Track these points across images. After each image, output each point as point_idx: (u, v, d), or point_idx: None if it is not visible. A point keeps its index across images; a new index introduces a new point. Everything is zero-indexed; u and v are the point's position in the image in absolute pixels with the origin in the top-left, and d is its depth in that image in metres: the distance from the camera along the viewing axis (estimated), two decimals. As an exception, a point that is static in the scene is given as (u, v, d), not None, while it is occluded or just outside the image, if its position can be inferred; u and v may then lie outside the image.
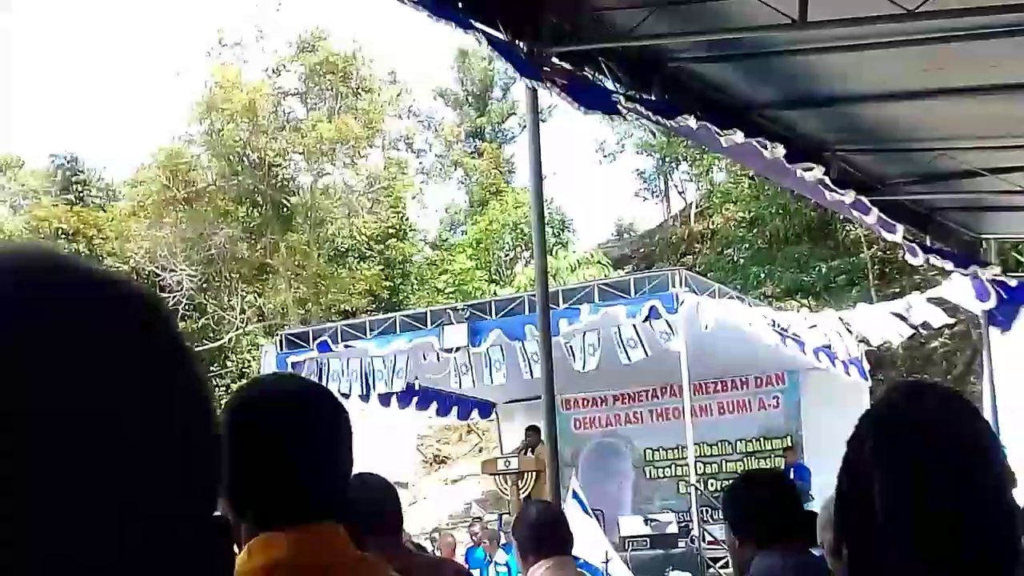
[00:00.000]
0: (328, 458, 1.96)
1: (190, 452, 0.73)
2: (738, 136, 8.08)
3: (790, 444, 19.58)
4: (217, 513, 0.76)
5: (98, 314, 0.70)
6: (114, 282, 0.73)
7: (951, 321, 16.73)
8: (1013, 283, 11.28)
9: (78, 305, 0.70)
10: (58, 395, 0.66)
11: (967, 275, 10.83)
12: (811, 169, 8.65)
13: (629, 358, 15.80)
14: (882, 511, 1.76)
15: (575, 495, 9.04)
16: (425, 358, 17.32)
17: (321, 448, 1.95)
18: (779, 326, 17.22)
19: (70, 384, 0.67)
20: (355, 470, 3.86)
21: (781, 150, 8.32)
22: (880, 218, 9.45)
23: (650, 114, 7.67)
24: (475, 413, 22.56)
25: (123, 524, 0.67)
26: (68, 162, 44.24)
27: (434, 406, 21.06)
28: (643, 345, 15.61)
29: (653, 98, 7.64)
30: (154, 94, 75.31)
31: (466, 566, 9.33)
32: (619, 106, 7.38)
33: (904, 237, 9.77)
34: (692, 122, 7.56)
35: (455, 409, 21.66)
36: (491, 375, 16.77)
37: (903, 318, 16.10)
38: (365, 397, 18.46)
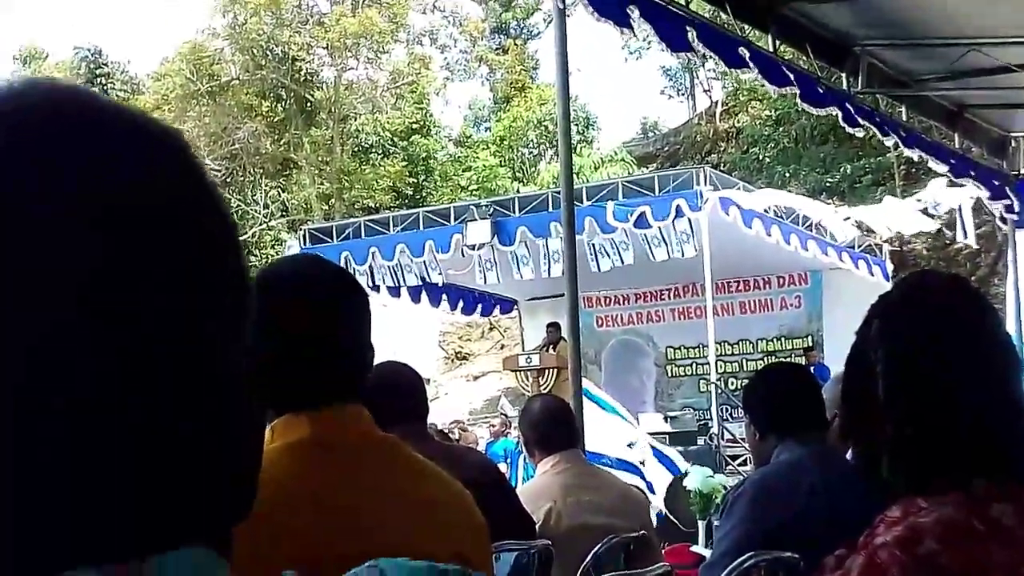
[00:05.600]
0: (351, 340, 1.93)
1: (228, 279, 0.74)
2: (753, 72, 7.96)
3: (811, 344, 19.63)
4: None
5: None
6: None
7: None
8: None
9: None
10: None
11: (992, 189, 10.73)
12: (828, 105, 8.59)
13: (654, 257, 15.80)
14: (883, 391, 1.76)
15: (586, 392, 9.03)
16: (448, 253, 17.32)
17: (343, 330, 1.92)
18: (807, 222, 17.18)
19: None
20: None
21: (796, 90, 8.24)
22: (901, 136, 9.38)
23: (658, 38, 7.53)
24: (497, 310, 22.68)
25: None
26: (92, 55, 44.10)
27: (460, 304, 21.21)
28: (667, 244, 15.61)
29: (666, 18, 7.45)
30: (177, -14, 74.55)
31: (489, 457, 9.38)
32: (631, 20, 7.21)
33: (922, 153, 9.69)
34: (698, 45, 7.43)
35: (479, 307, 21.79)
36: (519, 270, 16.78)
37: (928, 213, 15.99)
38: (396, 291, 18.64)
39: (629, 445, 10.03)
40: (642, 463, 9.94)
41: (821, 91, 8.58)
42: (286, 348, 1.84)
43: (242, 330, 0.74)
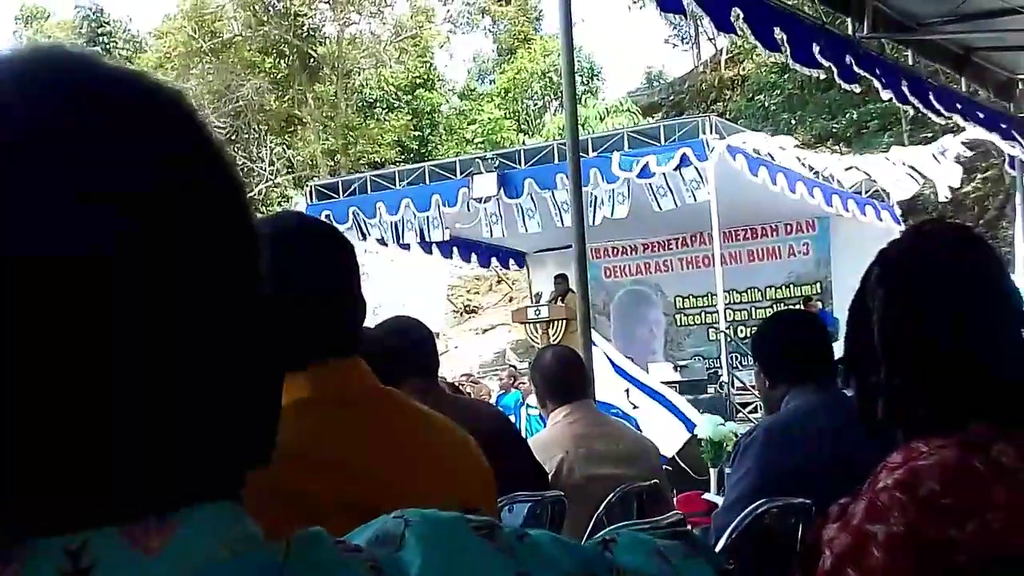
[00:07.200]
0: (343, 295, 1.92)
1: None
2: (742, 22, 7.87)
3: (819, 291, 19.65)
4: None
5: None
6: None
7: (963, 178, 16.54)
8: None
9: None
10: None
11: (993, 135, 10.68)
12: (820, 66, 8.51)
13: (659, 206, 15.76)
14: (878, 336, 1.77)
15: (594, 343, 8.96)
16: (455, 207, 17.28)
17: (335, 285, 1.91)
18: (812, 168, 17.12)
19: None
20: (387, 318, 3.92)
21: (788, 50, 8.16)
22: (903, 85, 9.32)
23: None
24: (511, 262, 22.67)
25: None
26: (94, 13, 43.98)
27: (474, 257, 21.22)
28: (672, 194, 15.57)
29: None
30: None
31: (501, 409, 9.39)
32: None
33: (919, 105, 9.62)
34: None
35: (492, 259, 21.78)
36: (525, 224, 16.76)
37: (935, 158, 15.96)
38: (406, 246, 18.69)
39: (627, 391, 10.02)
40: (636, 407, 9.92)
41: (819, 46, 8.47)
42: (280, 307, 1.80)
43: (251, 285, 0.76)
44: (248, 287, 0.75)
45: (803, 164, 16.90)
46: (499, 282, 34.18)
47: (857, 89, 9.35)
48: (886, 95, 9.36)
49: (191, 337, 0.69)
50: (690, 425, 9.45)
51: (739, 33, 7.85)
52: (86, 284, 0.64)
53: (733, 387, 14.85)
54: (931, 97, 9.66)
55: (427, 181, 17.91)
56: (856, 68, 8.78)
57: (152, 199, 0.68)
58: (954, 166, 15.80)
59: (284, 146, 39.88)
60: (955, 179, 16.18)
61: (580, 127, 9.89)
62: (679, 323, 21.48)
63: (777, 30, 8.04)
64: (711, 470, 8.57)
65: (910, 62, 9.81)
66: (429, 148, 40.09)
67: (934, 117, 10.10)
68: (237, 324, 0.73)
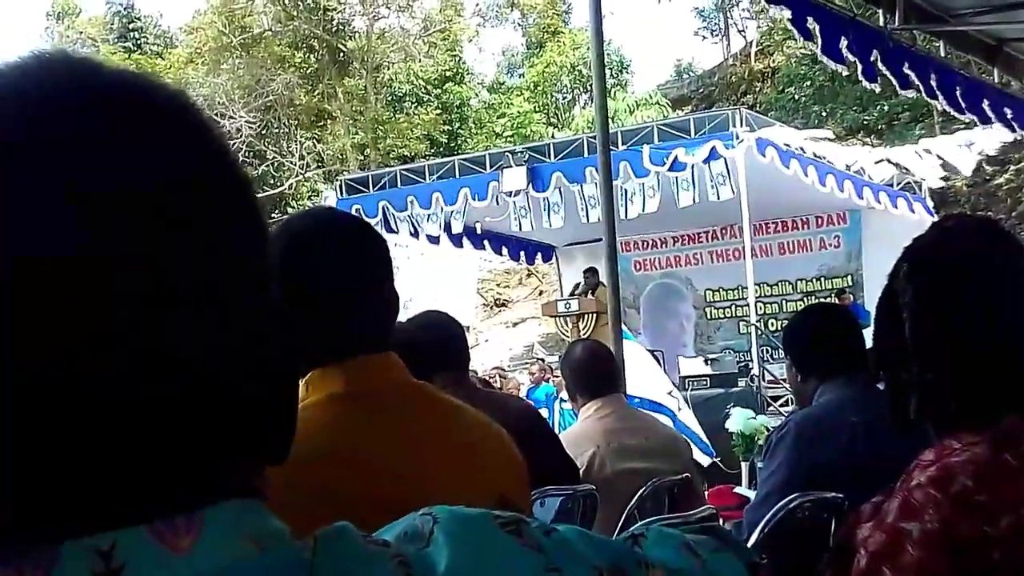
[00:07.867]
0: (376, 289, 1.92)
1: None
2: (786, 12, 7.83)
3: (850, 284, 19.54)
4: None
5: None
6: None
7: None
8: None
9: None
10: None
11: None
12: (846, 61, 8.47)
13: (680, 203, 15.71)
14: (910, 332, 1.77)
15: (625, 335, 8.86)
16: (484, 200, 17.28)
17: (369, 280, 1.91)
18: (843, 163, 17.01)
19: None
20: (419, 312, 3.94)
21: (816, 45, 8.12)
22: (932, 78, 9.26)
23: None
24: (538, 257, 22.64)
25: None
26: (124, 9, 44.18)
27: (505, 250, 21.21)
28: (695, 189, 15.51)
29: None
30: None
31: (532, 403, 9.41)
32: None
33: (944, 102, 9.55)
34: None
35: (522, 253, 21.76)
36: (549, 218, 16.77)
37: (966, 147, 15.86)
38: (436, 239, 18.73)
39: (670, 392, 9.96)
40: (679, 408, 9.86)
41: (847, 39, 8.43)
42: (312, 301, 1.82)
43: (264, 284, 0.76)
44: (257, 285, 0.75)
45: (834, 157, 16.81)
46: (529, 275, 34.18)
47: (877, 89, 9.30)
48: (910, 93, 9.31)
49: (200, 333, 0.69)
50: (707, 448, 9.27)
51: (783, 5, 7.82)
52: (86, 283, 0.65)
53: (764, 380, 14.81)
54: (957, 94, 9.59)
55: (457, 175, 17.91)
56: (880, 65, 8.73)
57: (152, 199, 0.68)
58: (969, 155, 15.68)
59: (314, 140, 39.97)
60: (967, 168, 16.06)
61: (610, 120, 9.87)
62: (709, 316, 21.40)
63: (810, 20, 8.02)
64: (742, 464, 8.56)
65: (942, 53, 9.74)
66: (459, 142, 40.11)
67: (958, 115, 10.05)
68: (247, 322, 0.73)
